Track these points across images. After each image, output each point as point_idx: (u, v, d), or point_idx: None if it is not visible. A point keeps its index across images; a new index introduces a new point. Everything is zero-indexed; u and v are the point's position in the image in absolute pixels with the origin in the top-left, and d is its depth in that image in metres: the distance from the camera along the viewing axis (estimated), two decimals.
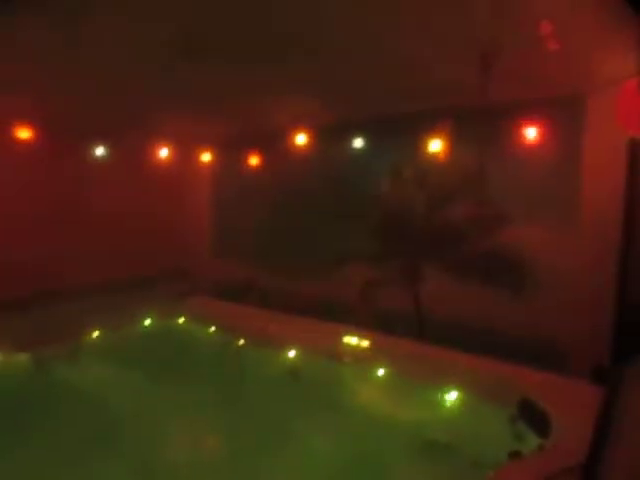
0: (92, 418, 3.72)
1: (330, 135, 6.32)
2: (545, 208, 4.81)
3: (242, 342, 5.48)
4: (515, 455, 2.66)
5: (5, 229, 6.01)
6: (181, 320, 6.20)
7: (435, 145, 5.20)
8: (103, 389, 4.29)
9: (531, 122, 4.53)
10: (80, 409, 3.84)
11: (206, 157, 7.51)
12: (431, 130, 5.30)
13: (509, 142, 4.85)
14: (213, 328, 5.94)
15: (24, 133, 5.81)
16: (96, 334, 5.51)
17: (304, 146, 6.26)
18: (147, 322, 6.05)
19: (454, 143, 5.24)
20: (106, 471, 3.12)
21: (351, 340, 4.74)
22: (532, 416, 3.24)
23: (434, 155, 5.39)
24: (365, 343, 4.68)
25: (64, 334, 5.09)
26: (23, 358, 4.65)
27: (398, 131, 5.82)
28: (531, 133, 4.53)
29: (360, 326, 5.05)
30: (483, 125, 4.85)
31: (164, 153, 7.45)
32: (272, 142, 6.83)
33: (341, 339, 4.79)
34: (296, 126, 6.23)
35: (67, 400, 4.00)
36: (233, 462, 3.32)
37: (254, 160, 7.02)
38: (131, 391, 4.29)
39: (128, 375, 4.55)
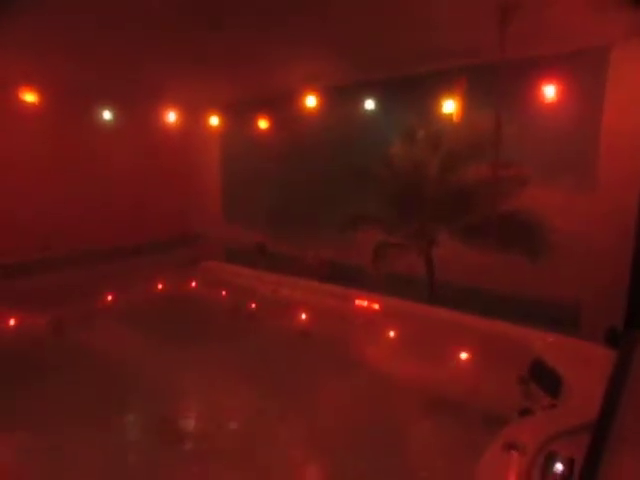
0: (108, 379, 3.80)
1: (341, 97, 6.19)
2: (563, 170, 4.69)
3: (254, 305, 5.53)
4: (525, 413, 2.68)
5: (17, 193, 6.05)
6: (193, 284, 6.25)
7: (449, 106, 5.07)
8: (118, 351, 4.37)
9: (550, 79, 4.37)
10: (96, 370, 3.93)
11: (215, 121, 7.42)
12: (445, 90, 5.16)
13: (527, 101, 4.71)
14: (225, 292, 5.99)
15: (32, 97, 5.77)
16: (110, 298, 5.59)
17: (314, 108, 6.14)
18: (160, 286, 6.11)
19: (469, 103, 5.10)
20: (122, 428, 3.22)
21: (362, 303, 4.75)
22: (543, 377, 3.24)
23: (448, 116, 5.26)
24: (376, 306, 4.69)
25: (79, 298, 5.16)
26: (40, 321, 4.73)
27: (411, 92, 5.67)
28: (550, 91, 4.38)
29: (372, 290, 5.06)
30: (500, 84, 4.69)
31: (173, 117, 7.38)
32: (282, 105, 6.71)
33: (352, 302, 4.80)
34: (306, 88, 6.11)
35: (83, 362, 4.09)
36: (245, 419, 3.39)
37: (263, 123, 6.92)
38: (145, 353, 4.37)
39: (142, 337, 4.63)
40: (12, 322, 4.64)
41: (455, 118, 5.14)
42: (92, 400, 3.45)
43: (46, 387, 3.58)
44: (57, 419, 3.18)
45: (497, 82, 4.49)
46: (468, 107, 5.08)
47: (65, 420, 3.17)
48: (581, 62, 4.38)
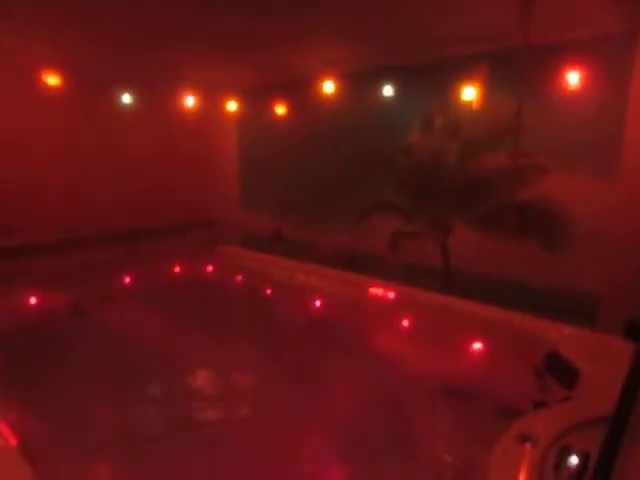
0: (126, 358, 3.88)
1: (359, 82, 6.13)
2: (584, 157, 4.60)
3: (269, 291, 5.57)
4: (540, 405, 2.66)
5: (38, 176, 6.14)
6: (210, 268, 6.31)
7: (469, 93, 4.98)
8: (135, 332, 4.45)
9: (574, 65, 4.26)
10: (114, 349, 4.01)
11: (233, 106, 7.40)
12: (465, 77, 5.07)
13: (549, 88, 4.61)
14: (241, 277, 6.03)
15: (55, 80, 5.82)
16: (128, 279, 5.68)
17: (332, 94, 6.09)
18: (177, 269, 6.18)
19: (489, 90, 5.01)
20: (139, 404, 3.29)
21: (377, 291, 4.74)
22: (559, 369, 3.21)
23: (468, 103, 5.17)
24: (391, 294, 4.68)
25: (99, 278, 5.26)
26: (61, 300, 4.83)
27: (430, 78, 5.58)
28: (573, 78, 4.27)
29: (387, 278, 5.04)
30: (522, 71, 4.59)
31: (192, 102, 7.39)
32: (299, 90, 6.67)
33: (367, 290, 4.80)
34: (324, 73, 6.05)
35: (102, 341, 4.18)
36: (259, 401, 3.44)
37: (281, 109, 6.89)
38: (161, 334, 4.44)
39: (159, 319, 4.70)
40: (34, 300, 4.75)
41: (475, 105, 5.06)
42: (109, 377, 3.53)
43: (64, 364, 3.66)
44: (74, 396, 3.27)
45: (519, 69, 4.39)
46: (488, 94, 4.99)
47: (81, 397, 3.26)
48: (607, 47, 4.27)
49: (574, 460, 1.89)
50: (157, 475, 2.56)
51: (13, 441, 2.15)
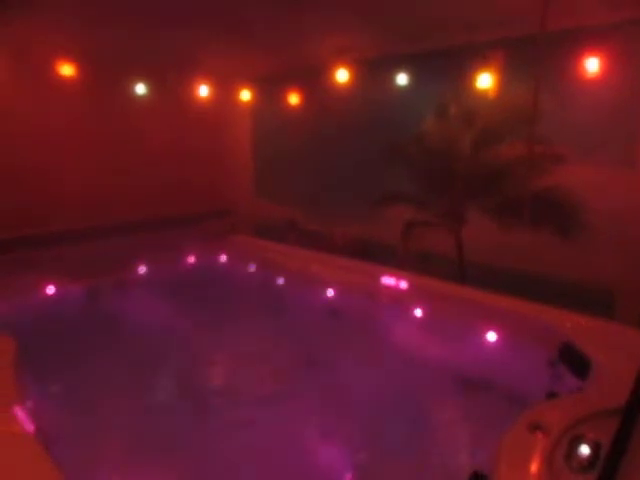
0: (140, 346, 3.94)
1: (373, 70, 6.07)
2: (602, 146, 4.51)
3: (282, 281, 5.59)
4: (552, 395, 2.65)
5: (54, 165, 6.22)
6: (223, 257, 6.35)
7: (485, 80, 4.91)
8: (150, 320, 4.51)
9: (593, 52, 4.16)
10: (128, 337, 4.07)
11: (246, 95, 7.40)
12: (481, 64, 4.99)
13: (567, 75, 4.51)
14: (254, 266, 6.06)
15: (70, 69, 5.87)
16: (142, 268, 5.74)
17: (346, 82, 6.05)
18: (191, 259, 6.23)
19: (505, 78, 4.94)
20: (153, 391, 3.35)
21: (391, 280, 4.73)
22: (573, 360, 3.18)
23: (483, 91, 5.10)
24: (404, 284, 4.66)
25: (114, 267, 5.33)
26: (76, 289, 4.91)
27: (445, 65, 5.50)
28: (592, 64, 4.17)
29: (401, 268, 5.03)
30: (539, 57, 4.50)
31: (205, 91, 7.40)
32: (313, 79, 6.63)
33: (381, 279, 4.79)
34: (338, 61, 6.01)
35: (116, 329, 4.25)
36: (270, 390, 3.47)
37: (295, 98, 6.87)
38: (175, 322, 4.50)
39: (172, 307, 4.76)
40: (51, 289, 4.84)
41: (490, 93, 4.99)
42: (123, 364, 3.59)
43: (79, 351, 3.73)
44: (89, 382, 3.33)
45: (536, 55, 4.31)
46: (504, 82, 4.92)
47: (96, 383, 3.32)
48: (627, 33, 4.16)
49: (585, 450, 1.88)
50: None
51: (30, 427, 2.19)
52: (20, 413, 2.27)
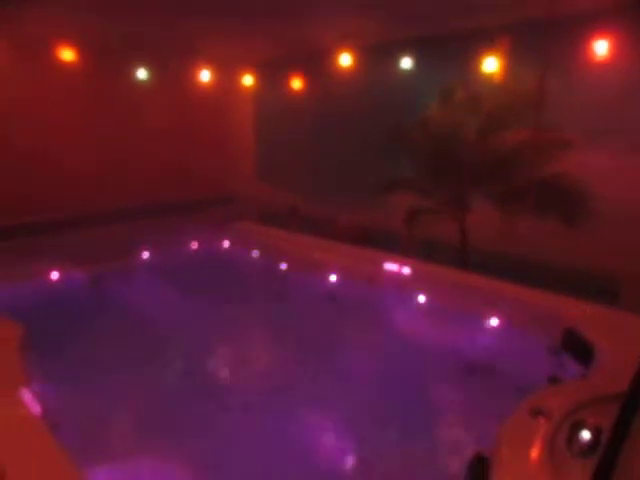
0: (143, 331, 3.97)
1: (376, 56, 6.01)
2: (610, 132, 4.46)
3: (284, 266, 5.60)
4: (555, 381, 2.66)
5: (54, 152, 6.21)
6: (226, 243, 6.35)
7: (490, 64, 4.86)
8: (153, 305, 4.53)
9: (602, 34, 4.09)
10: (132, 322, 4.10)
11: (249, 80, 7.34)
12: (486, 48, 4.93)
13: (575, 59, 4.45)
14: (257, 252, 6.07)
15: (70, 54, 5.84)
16: (146, 254, 5.75)
17: (349, 68, 5.99)
18: (194, 244, 6.24)
19: (512, 62, 4.87)
20: (157, 376, 3.38)
21: (394, 267, 4.73)
22: (576, 346, 3.19)
23: (489, 76, 5.04)
24: (407, 270, 4.66)
25: (117, 253, 5.34)
26: (81, 275, 4.93)
27: (450, 50, 5.43)
28: (601, 47, 4.10)
29: (404, 254, 5.02)
30: (546, 41, 4.44)
31: (207, 76, 7.35)
32: (316, 64, 6.57)
33: (384, 266, 4.79)
34: (341, 46, 5.94)
35: (120, 314, 4.27)
36: (272, 374, 3.50)
37: (297, 83, 6.81)
38: (178, 308, 4.52)
39: (175, 293, 4.78)
40: (55, 275, 4.86)
41: (496, 78, 4.94)
42: (126, 348, 3.62)
43: (83, 336, 3.76)
44: (92, 365, 3.37)
45: (543, 39, 4.25)
46: (510, 67, 4.86)
47: (99, 366, 3.36)
48: (636, 15, 4.08)
49: (586, 435, 1.89)
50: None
51: (37, 409, 2.22)
52: (27, 396, 2.30)
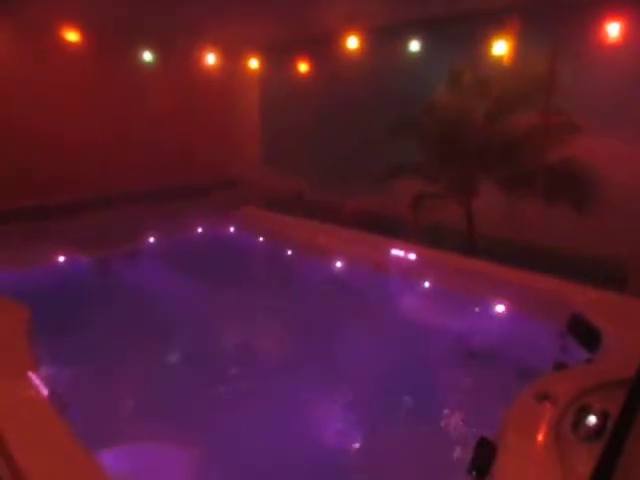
0: (149, 315, 3.99)
1: (383, 38, 5.92)
2: (622, 117, 4.38)
3: (290, 252, 5.59)
4: (560, 366, 2.65)
5: (59, 136, 6.20)
6: (232, 229, 6.34)
7: (500, 47, 4.77)
8: (158, 290, 4.55)
9: (615, 16, 4.00)
10: (138, 307, 4.12)
11: (254, 64, 7.28)
12: (496, 30, 4.84)
13: (587, 42, 4.36)
14: (262, 238, 6.06)
15: (75, 36, 5.80)
16: (152, 240, 5.76)
17: (356, 51, 5.91)
18: (199, 229, 6.23)
19: (521, 45, 4.79)
20: (162, 360, 3.41)
21: (400, 252, 4.72)
22: (582, 332, 3.17)
23: (498, 59, 4.96)
24: (413, 256, 4.64)
25: (122, 237, 5.35)
26: (86, 259, 4.94)
27: (458, 32, 5.33)
28: (613, 30, 4.01)
29: (410, 240, 5.00)
30: (556, 23, 4.35)
31: (213, 59, 7.29)
32: (322, 47, 6.49)
33: (390, 251, 4.78)
34: (348, 28, 5.86)
35: (126, 299, 4.29)
36: (277, 359, 3.51)
37: (303, 67, 6.74)
38: (184, 293, 4.54)
39: (180, 277, 4.80)
40: (61, 259, 4.88)
41: (506, 61, 4.86)
42: (131, 334, 3.64)
43: (89, 320, 3.78)
44: (97, 349, 3.40)
45: (553, 21, 4.16)
46: (520, 50, 4.78)
47: (105, 349, 3.39)
48: None
49: (592, 420, 1.88)
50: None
51: (44, 392, 2.24)
52: (35, 378, 2.32)
